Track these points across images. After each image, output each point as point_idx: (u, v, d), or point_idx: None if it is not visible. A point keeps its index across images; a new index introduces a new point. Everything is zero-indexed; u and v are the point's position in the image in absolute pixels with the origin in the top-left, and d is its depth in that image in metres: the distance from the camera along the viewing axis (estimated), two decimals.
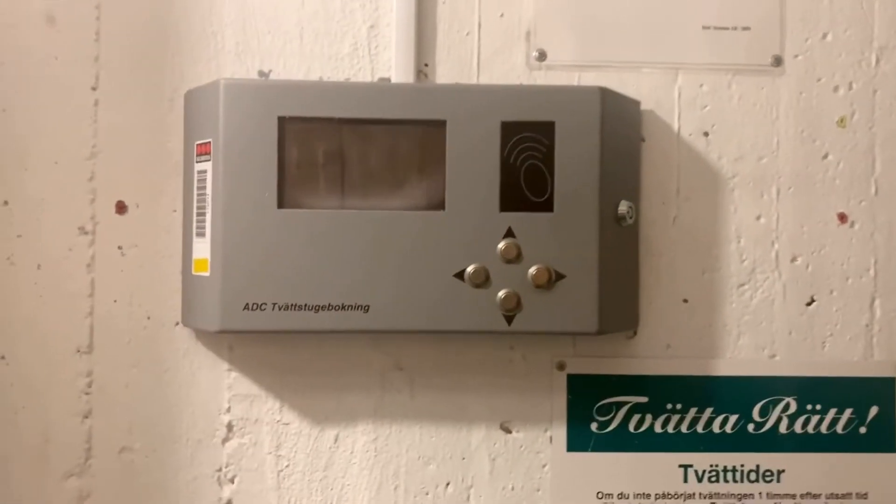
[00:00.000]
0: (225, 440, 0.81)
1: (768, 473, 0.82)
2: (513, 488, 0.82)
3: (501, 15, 0.82)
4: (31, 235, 0.80)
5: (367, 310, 0.74)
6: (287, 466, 0.81)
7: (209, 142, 0.75)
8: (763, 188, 0.82)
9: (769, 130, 0.82)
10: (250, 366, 0.80)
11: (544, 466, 0.82)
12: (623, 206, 0.76)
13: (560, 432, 0.81)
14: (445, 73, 0.81)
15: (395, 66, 0.80)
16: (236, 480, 0.81)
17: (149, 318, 0.80)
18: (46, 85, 0.80)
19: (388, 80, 0.80)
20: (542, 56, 0.82)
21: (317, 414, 0.81)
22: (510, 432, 0.82)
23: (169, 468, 0.80)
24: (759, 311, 0.82)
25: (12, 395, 0.79)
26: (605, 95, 0.75)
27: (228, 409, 0.81)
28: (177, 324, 0.80)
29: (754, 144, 0.82)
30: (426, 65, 0.81)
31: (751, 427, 0.82)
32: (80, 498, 0.80)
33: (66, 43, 0.80)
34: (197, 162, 0.77)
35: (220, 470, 0.81)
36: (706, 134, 0.82)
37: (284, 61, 0.81)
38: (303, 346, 0.80)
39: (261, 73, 0.80)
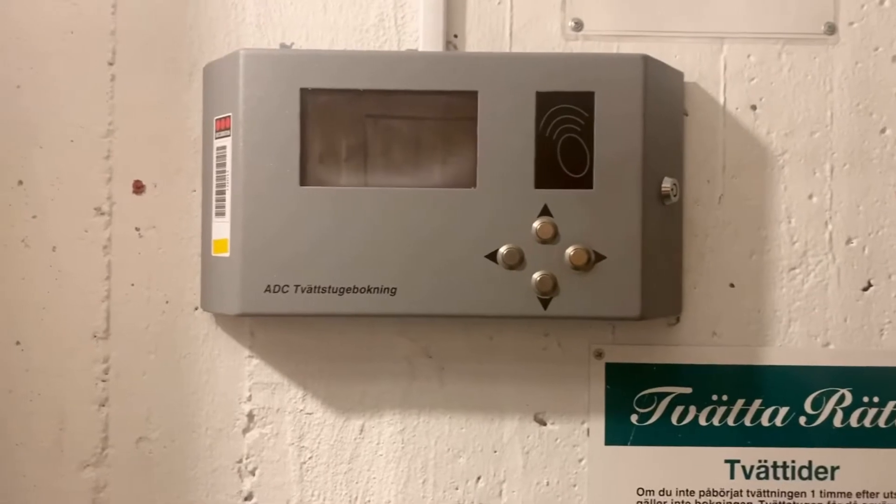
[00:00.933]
0: (246, 430, 0.78)
1: (821, 470, 0.78)
2: (547, 483, 0.78)
3: None
4: (46, 216, 0.78)
5: (395, 293, 0.70)
6: (310, 458, 0.78)
7: (229, 116, 0.72)
8: (815, 165, 0.78)
9: (822, 103, 0.78)
10: (272, 352, 0.78)
11: (581, 461, 0.78)
12: (667, 184, 0.72)
13: (598, 424, 0.78)
14: (475, 44, 0.78)
15: (422, 37, 0.77)
16: (257, 472, 0.78)
17: (167, 302, 0.78)
18: (61, 60, 0.78)
19: (416, 51, 0.76)
20: (578, 25, 0.78)
21: (341, 403, 0.78)
22: (545, 424, 0.78)
23: (188, 459, 0.78)
24: (812, 297, 0.78)
25: (27, 382, 0.78)
26: (649, 64, 0.71)
27: (249, 398, 0.78)
28: (196, 308, 0.78)
29: (806, 118, 0.78)
30: (455, 36, 0.78)
31: (802, 420, 0.78)
32: (96, 489, 0.78)
33: (81, 16, 0.78)
34: (216, 138, 0.74)
35: (240, 461, 0.78)
36: (754, 107, 0.78)
37: (307, 33, 0.78)
38: (327, 331, 0.78)
39: (283, 46, 0.77)
